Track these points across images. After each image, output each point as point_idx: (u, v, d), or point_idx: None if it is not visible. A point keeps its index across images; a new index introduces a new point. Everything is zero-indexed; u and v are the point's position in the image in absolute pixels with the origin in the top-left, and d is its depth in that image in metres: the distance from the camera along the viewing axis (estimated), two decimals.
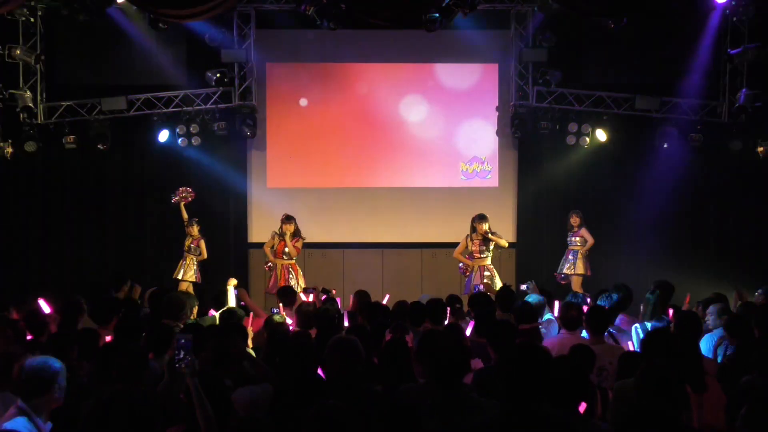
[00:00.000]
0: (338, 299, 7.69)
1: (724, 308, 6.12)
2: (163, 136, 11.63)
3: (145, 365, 4.01)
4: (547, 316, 6.58)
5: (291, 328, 6.01)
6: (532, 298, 6.53)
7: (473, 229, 9.89)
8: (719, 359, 5.20)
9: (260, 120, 11.98)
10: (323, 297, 7.89)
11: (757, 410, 3.09)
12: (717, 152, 11.82)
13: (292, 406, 3.71)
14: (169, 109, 11.61)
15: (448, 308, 6.51)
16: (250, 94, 11.74)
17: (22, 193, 11.89)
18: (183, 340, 3.66)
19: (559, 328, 5.75)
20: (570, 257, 10.78)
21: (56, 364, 3.65)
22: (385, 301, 7.46)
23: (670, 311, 6.40)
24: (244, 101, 11.66)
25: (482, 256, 9.88)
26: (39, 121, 11.39)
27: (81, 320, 5.81)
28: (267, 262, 10.38)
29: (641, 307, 6.35)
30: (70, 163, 11.83)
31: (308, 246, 10.61)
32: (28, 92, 11.14)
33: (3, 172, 11.60)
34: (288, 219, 10.17)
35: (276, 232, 10.28)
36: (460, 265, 10.06)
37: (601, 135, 11.77)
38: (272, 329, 5.47)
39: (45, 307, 6.17)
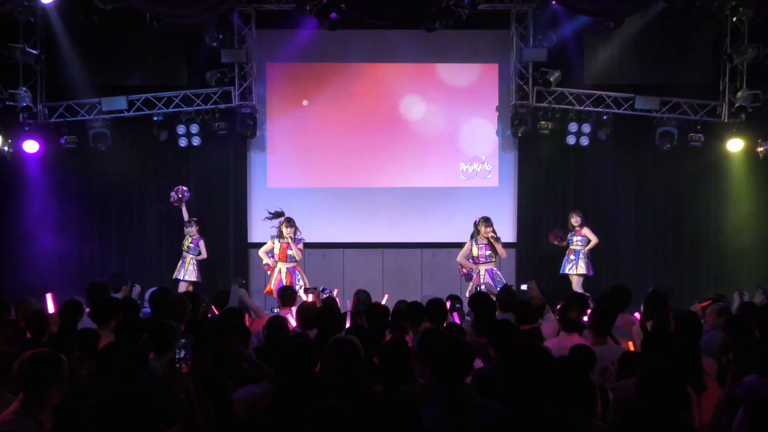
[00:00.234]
0: (338, 299, 7.69)
1: (724, 308, 6.11)
2: (163, 136, 11.63)
3: (145, 365, 4.00)
4: (547, 316, 6.57)
5: (291, 328, 6.00)
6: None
7: (477, 233, 9.84)
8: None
9: (260, 120, 11.98)
10: (323, 297, 7.90)
11: (756, 411, 3.09)
12: (717, 152, 11.82)
13: (292, 406, 3.70)
14: (169, 109, 11.61)
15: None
16: (250, 94, 11.74)
17: (22, 193, 11.88)
18: (183, 340, 3.66)
19: (559, 330, 5.74)
20: (572, 257, 10.78)
21: (56, 358, 3.65)
22: (383, 302, 7.45)
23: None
24: (244, 101, 11.67)
25: (487, 261, 9.79)
26: (39, 121, 11.40)
27: (81, 320, 5.80)
28: (265, 264, 10.33)
29: (641, 307, 6.33)
30: (70, 163, 11.83)
31: (308, 246, 10.60)
32: (28, 92, 11.14)
33: (3, 172, 11.61)
34: (289, 222, 10.10)
35: (275, 236, 10.22)
36: (462, 270, 9.97)
37: (601, 135, 11.77)
38: (273, 329, 5.47)
39: (50, 305, 6.15)
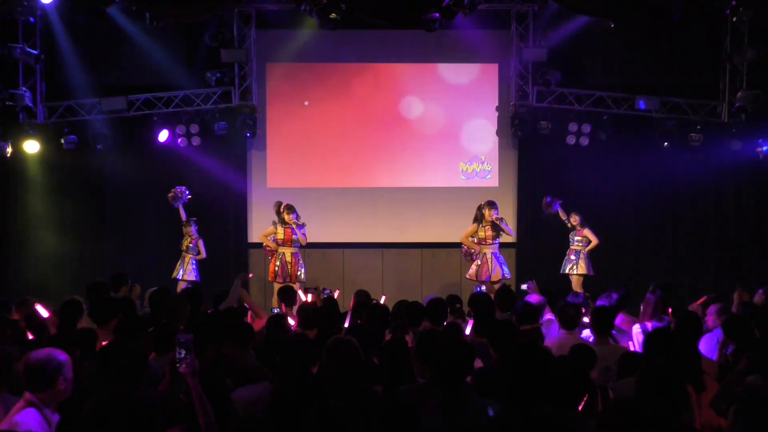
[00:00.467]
0: (338, 299, 7.69)
1: (724, 308, 6.11)
2: (163, 136, 11.62)
3: (145, 365, 4.01)
4: (548, 316, 6.57)
5: (291, 327, 6.00)
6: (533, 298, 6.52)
7: (481, 216, 9.85)
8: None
9: (260, 120, 11.99)
10: (323, 296, 7.90)
11: (756, 410, 3.09)
12: (717, 152, 11.81)
13: (292, 406, 3.70)
14: (169, 109, 11.61)
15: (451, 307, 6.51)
16: (250, 94, 11.74)
17: (22, 193, 11.88)
18: (183, 340, 3.66)
19: (558, 328, 5.75)
20: (572, 257, 10.77)
21: (61, 356, 3.65)
22: (381, 302, 7.45)
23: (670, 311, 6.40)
24: (244, 101, 11.67)
25: (493, 243, 9.84)
26: (39, 121, 11.39)
27: (81, 320, 5.81)
28: (266, 246, 10.30)
29: (641, 307, 6.35)
30: (70, 163, 11.82)
31: (308, 246, 10.60)
32: (28, 92, 11.14)
33: (3, 172, 11.60)
34: (289, 209, 10.05)
35: (277, 221, 10.16)
36: (464, 248, 10.01)
37: (601, 135, 11.77)
38: (273, 328, 5.47)
39: (42, 312, 6.14)
